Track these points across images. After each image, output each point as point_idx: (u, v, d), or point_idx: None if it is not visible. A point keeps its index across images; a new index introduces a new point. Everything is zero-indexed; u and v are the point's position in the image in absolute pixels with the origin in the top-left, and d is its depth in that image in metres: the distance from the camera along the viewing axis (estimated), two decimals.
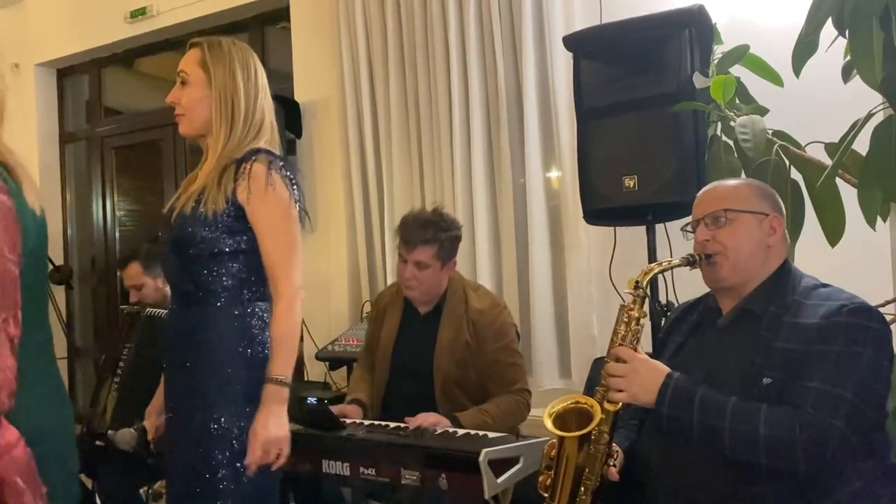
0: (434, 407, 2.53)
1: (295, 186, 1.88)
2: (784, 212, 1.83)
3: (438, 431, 2.33)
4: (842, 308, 1.60)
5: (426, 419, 2.38)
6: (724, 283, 1.77)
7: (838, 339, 1.57)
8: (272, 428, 1.75)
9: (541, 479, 1.75)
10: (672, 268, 1.85)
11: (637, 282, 1.76)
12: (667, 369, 1.69)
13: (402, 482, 2.15)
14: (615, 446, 1.76)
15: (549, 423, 1.69)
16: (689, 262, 1.79)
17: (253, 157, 1.84)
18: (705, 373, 1.71)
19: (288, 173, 1.87)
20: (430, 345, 2.61)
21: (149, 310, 3.13)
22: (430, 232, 2.57)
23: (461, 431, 2.33)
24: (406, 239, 2.60)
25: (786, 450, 1.53)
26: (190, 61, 1.93)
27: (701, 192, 1.88)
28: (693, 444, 1.63)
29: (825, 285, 1.72)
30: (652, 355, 1.83)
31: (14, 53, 4.85)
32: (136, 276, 3.36)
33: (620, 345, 1.73)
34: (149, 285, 3.31)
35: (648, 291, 1.81)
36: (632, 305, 1.75)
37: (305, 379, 3.69)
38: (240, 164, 1.84)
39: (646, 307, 1.78)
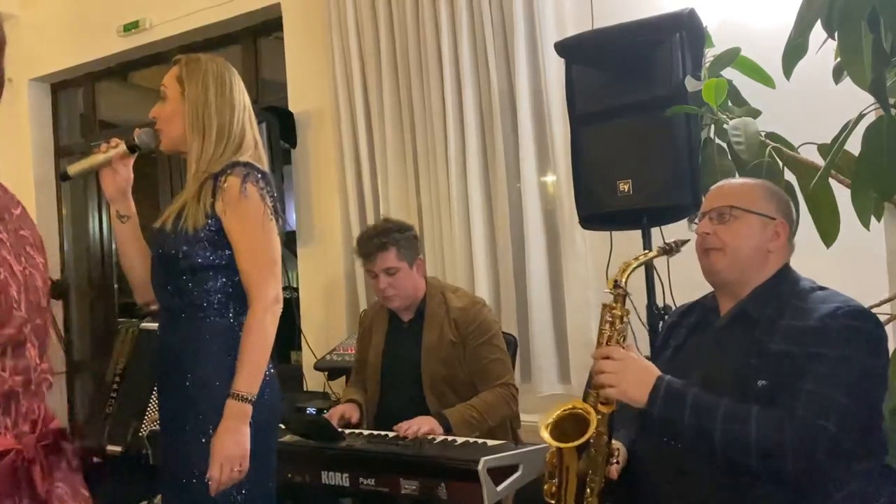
0: (427, 410, 2.54)
1: (273, 198, 1.86)
2: (794, 219, 1.82)
3: (437, 440, 2.33)
4: (837, 311, 1.60)
5: (419, 424, 2.39)
6: (721, 275, 1.77)
7: (832, 342, 1.58)
8: (230, 446, 1.73)
9: (546, 487, 1.75)
10: (649, 259, 1.86)
11: (616, 280, 1.76)
12: (657, 370, 1.69)
13: (402, 492, 2.15)
14: (617, 444, 1.75)
15: (546, 435, 1.68)
16: (666, 250, 1.79)
17: (229, 171, 1.84)
18: (703, 375, 1.71)
19: (266, 186, 1.85)
20: (417, 349, 2.65)
21: (143, 324, 3.13)
22: (383, 237, 2.64)
23: (460, 440, 2.32)
24: (364, 254, 2.69)
25: (775, 451, 1.53)
26: (169, 77, 1.95)
27: (713, 186, 1.89)
28: (685, 445, 1.63)
29: (822, 288, 1.72)
30: (650, 359, 1.83)
31: (7, 68, 4.81)
32: None
33: (608, 344, 1.73)
34: None
35: (630, 288, 1.79)
36: (614, 304, 1.76)
37: (304, 389, 3.68)
38: (217, 178, 1.84)
39: (628, 304, 1.78)
